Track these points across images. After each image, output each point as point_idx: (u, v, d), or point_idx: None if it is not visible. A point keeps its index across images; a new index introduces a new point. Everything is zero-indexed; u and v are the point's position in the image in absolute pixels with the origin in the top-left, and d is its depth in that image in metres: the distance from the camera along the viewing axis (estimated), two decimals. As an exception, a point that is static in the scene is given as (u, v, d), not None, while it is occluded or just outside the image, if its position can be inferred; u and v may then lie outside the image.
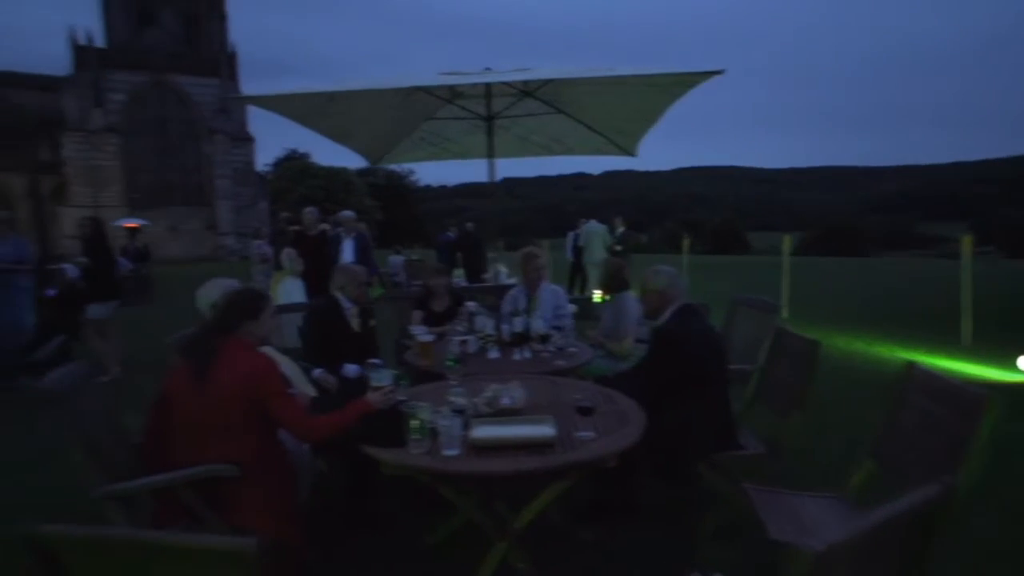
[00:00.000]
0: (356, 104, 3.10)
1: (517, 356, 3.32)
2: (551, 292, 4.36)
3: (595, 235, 10.71)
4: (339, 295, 3.75)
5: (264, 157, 65.25)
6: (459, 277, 11.67)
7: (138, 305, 10.64)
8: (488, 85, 3.01)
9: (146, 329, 6.85)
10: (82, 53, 44.44)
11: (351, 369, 3.56)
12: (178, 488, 2.01)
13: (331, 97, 2.83)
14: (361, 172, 75.42)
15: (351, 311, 3.76)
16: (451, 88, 3.07)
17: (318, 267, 7.21)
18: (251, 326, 2.21)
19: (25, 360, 5.85)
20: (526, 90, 3.22)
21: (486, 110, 3.37)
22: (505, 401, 2.30)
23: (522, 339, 3.56)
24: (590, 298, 9.17)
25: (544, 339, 3.53)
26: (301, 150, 77.34)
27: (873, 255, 45.95)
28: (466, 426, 2.05)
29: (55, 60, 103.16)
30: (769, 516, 2.00)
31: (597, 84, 2.92)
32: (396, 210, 70.82)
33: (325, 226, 8.48)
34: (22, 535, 1.07)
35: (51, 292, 7.08)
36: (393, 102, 3.17)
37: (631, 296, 4.01)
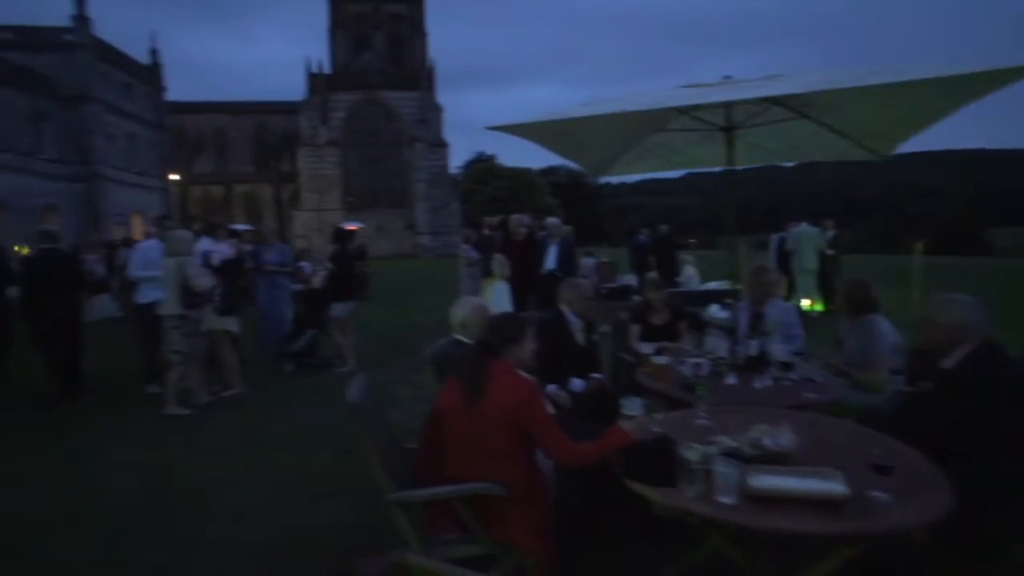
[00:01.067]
0: (594, 123, 3.10)
1: (758, 384, 3.08)
2: (781, 310, 3.99)
3: (807, 239, 9.71)
4: (565, 309, 3.82)
5: (455, 161, 70.38)
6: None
7: (358, 300, 11.96)
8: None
9: (367, 323, 7.63)
10: (313, 80, 51.65)
11: (576, 384, 3.61)
12: (452, 501, 2.17)
13: (574, 120, 2.85)
14: (543, 171, 77.65)
15: (577, 325, 3.81)
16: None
17: (524, 271, 7.51)
18: (515, 350, 2.31)
19: (285, 349, 6.90)
20: (775, 99, 2.96)
21: (725, 120, 3.16)
22: (769, 443, 2.13)
23: (759, 364, 3.30)
24: (801, 309, 8.34)
25: (786, 367, 3.23)
26: (488, 153, 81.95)
27: None
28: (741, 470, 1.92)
29: (296, 88, 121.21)
30: None
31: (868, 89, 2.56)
32: (577, 208, 71.54)
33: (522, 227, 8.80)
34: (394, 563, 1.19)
35: (297, 287, 8.21)
36: (627, 118, 3.11)
37: (882, 320, 3.51)
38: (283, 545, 3.09)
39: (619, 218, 68.68)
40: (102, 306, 11.65)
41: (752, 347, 3.42)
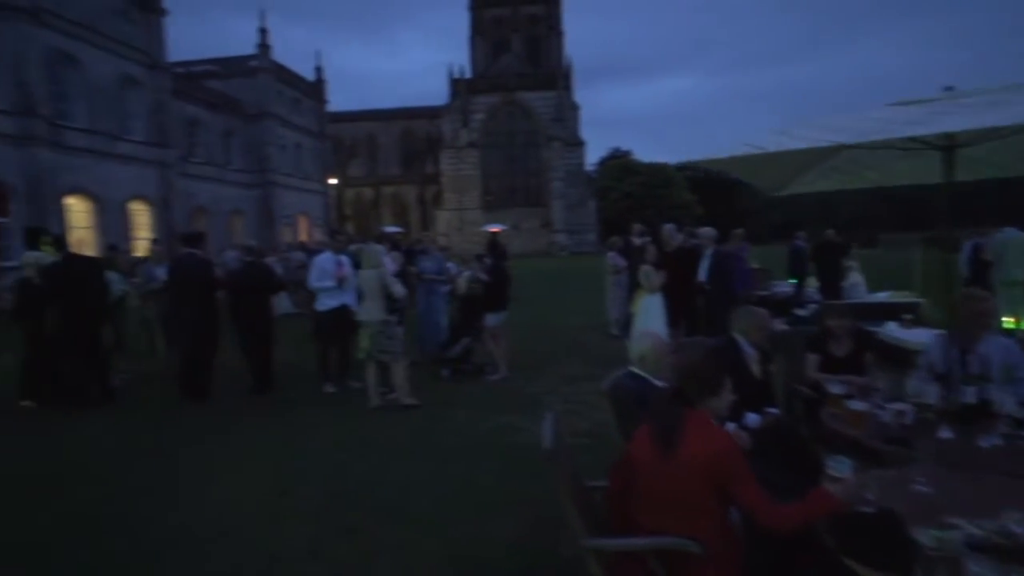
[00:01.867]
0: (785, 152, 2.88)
1: (984, 443, 2.66)
2: (1002, 348, 3.42)
3: (1014, 246, 8.34)
4: (740, 338, 3.61)
5: (590, 157, 69.88)
6: (811, 288, 10.46)
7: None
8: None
9: (511, 326, 7.74)
10: (455, 84, 54.00)
11: (751, 419, 3.40)
12: (644, 553, 2.13)
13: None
14: (680, 166, 74.59)
15: (752, 356, 3.59)
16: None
17: (679, 284, 7.25)
18: (712, 401, 2.21)
19: (442, 355, 7.27)
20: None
21: (946, 139, 2.79)
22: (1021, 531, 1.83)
23: (980, 416, 2.87)
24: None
25: (1020, 424, 2.76)
26: (623, 148, 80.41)
27: None
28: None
29: (436, 91, 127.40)
30: None
31: None
32: (717, 204, 67.93)
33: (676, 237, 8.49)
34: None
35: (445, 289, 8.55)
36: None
37: None
38: (454, 562, 3.22)
39: (764, 213, 63.82)
40: (279, 303, 13.11)
41: (969, 394, 2.99)
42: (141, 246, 26.31)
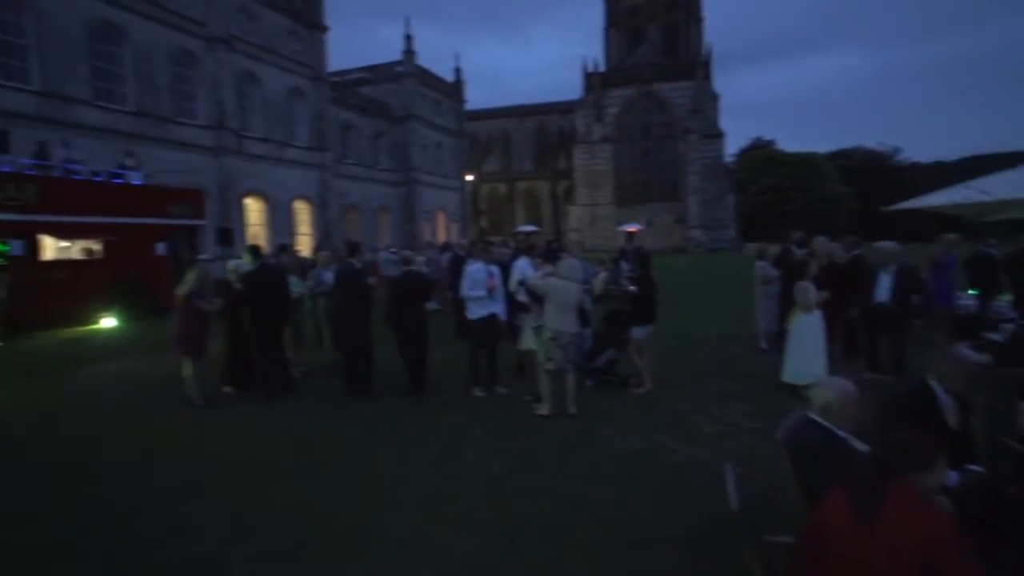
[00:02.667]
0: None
1: None
2: None
3: None
4: (934, 383, 3.27)
5: (729, 148, 65.83)
6: (1003, 303, 9.14)
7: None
8: None
9: (653, 335, 7.59)
10: (589, 79, 53.64)
11: (949, 477, 3.07)
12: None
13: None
14: (832, 155, 68.17)
15: (949, 405, 3.24)
16: None
17: (842, 303, 6.70)
18: (924, 477, 2.05)
19: (587, 366, 7.31)
20: None
21: None
22: None
23: None
24: None
25: None
26: (766, 138, 75.12)
27: None
28: None
29: (569, 84, 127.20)
30: None
31: None
32: (875, 196, 61.33)
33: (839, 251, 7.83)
34: None
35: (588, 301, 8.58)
36: None
37: None
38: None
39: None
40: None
41: None
42: (303, 241, 29.28)
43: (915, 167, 70.45)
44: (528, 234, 31.65)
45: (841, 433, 2.84)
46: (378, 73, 42.29)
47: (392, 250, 15.97)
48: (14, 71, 17.90)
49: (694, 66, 51.09)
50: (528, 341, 6.62)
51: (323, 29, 31.47)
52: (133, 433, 6.03)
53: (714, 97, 50.99)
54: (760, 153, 68.95)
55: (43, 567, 3.57)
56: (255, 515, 4.16)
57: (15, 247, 11.60)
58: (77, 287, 12.65)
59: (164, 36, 22.47)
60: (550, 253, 12.92)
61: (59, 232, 12.61)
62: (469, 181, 52.19)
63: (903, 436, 2.11)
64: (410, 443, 5.57)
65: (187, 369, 6.75)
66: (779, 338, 8.61)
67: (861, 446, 2.71)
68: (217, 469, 5.02)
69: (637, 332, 7.03)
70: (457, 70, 49.77)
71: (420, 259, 10.93)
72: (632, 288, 7.01)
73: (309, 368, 8.21)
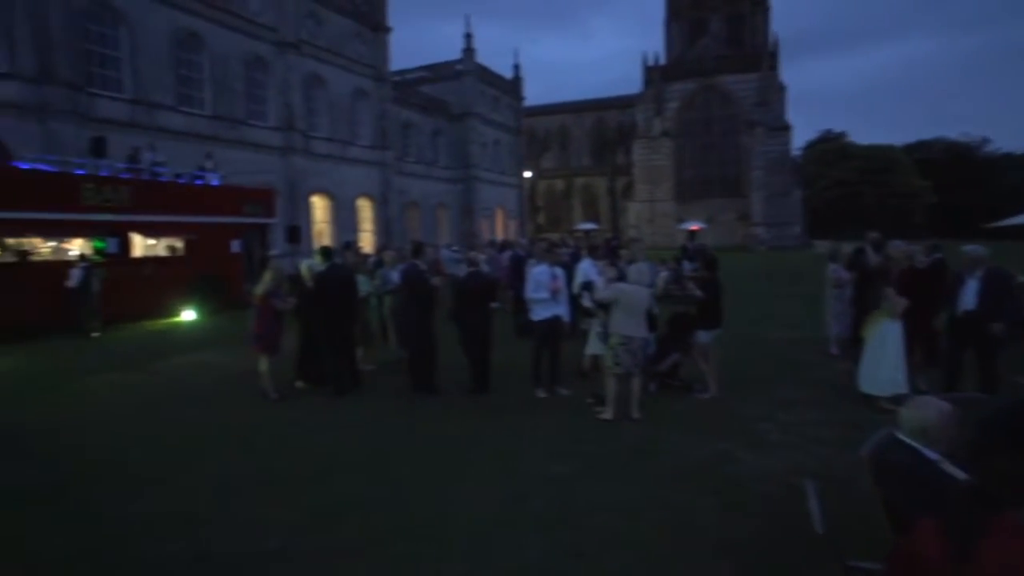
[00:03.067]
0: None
1: None
2: None
3: None
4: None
5: (796, 141, 63.06)
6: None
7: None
8: None
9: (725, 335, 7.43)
10: (649, 72, 52.68)
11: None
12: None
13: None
14: (908, 148, 64.30)
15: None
16: None
17: (924, 308, 6.37)
18: (1032, 509, 1.94)
19: (650, 370, 7.23)
20: None
21: None
22: None
23: None
24: None
25: None
26: (836, 129, 71.64)
27: None
28: None
29: (628, 78, 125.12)
30: None
31: None
32: (957, 191, 57.63)
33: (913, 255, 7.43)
34: None
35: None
36: None
37: None
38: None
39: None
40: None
41: None
42: (365, 238, 30.14)
43: (1007, 156, 65.48)
44: (587, 232, 31.48)
45: (932, 455, 2.71)
46: (438, 72, 42.94)
47: (454, 248, 16.20)
48: (109, 81, 19.25)
49: (760, 57, 49.30)
50: (594, 346, 6.63)
51: (386, 30, 32.21)
52: (214, 424, 6.41)
53: (780, 88, 49.07)
54: (830, 146, 65.87)
55: (139, 539, 3.86)
56: (326, 508, 4.35)
57: (111, 244, 12.49)
58: (162, 282, 13.51)
59: (238, 43, 23.58)
60: (610, 251, 12.84)
61: (147, 231, 13.49)
62: (527, 178, 52.29)
63: (1008, 464, 1.99)
64: (474, 442, 5.68)
65: (263, 364, 7.11)
66: (852, 344, 8.27)
67: (955, 471, 2.58)
68: (289, 462, 5.28)
69: (702, 336, 6.92)
70: (516, 67, 49.94)
71: (482, 257, 11.08)
72: (698, 292, 6.89)
73: (376, 365, 8.48)
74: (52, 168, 12.18)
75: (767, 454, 5.28)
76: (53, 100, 17.05)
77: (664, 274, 10.59)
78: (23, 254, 11.34)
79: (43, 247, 11.75)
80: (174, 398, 7.45)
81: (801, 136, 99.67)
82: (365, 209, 32.29)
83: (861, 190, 57.46)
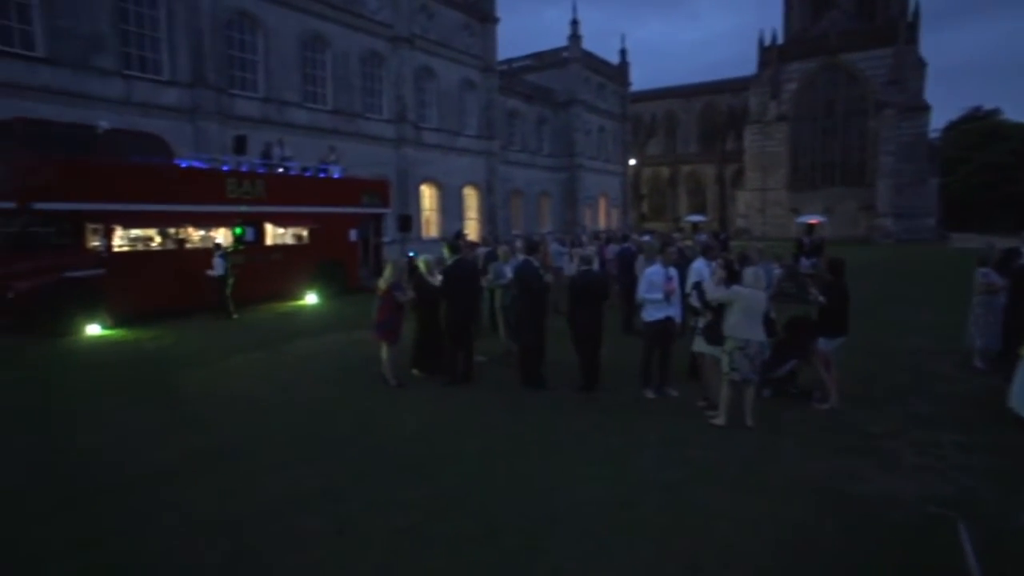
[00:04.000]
0: None
1: None
2: None
3: None
4: None
5: (934, 123, 56.38)
6: None
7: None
8: None
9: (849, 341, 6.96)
10: (764, 53, 49.59)
11: None
12: None
13: None
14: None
15: None
16: None
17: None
18: None
19: (766, 375, 6.97)
20: None
21: None
22: None
23: None
24: None
25: None
26: (987, 106, 63.88)
27: None
28: None
29: (744, 60, 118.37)
30: None
31: None
32: None
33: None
34: None
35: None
36: None
37: None
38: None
39: None
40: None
41: None
42: (471, 226, 31.05)
43: None
44: (695, 224, 30.42)
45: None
46: (543, 60, 42.94)
47: (561, 240, 16.31)
48: (246, 82, 21.14)
49: (894, 30, 44.69)
50: (700, 345, 6.50)
51: (494, 21, 32.64)
52: (340, 405, 6.97)
53: (919, 64, 44.28)
54: (977, 126, 58.86)
55: (285, 511, 4.35)
56: (445, 494, 4.65)
57: (248, 233, 13.80)
58: (289, 268, 14.74)
59: (357, 40, 24.90)
60: (719, 244, 12.41)
61: (278, 221, 14.73)
62: (631, 165, 51.22)
63: None
64: (583, 441, 5.79)
65: (384, 352, 7.62)
66: (1002, 359, 7.52)
67: None
68: (411, 448, 5.66)
69: (824, 344, 6.57)
70: (622, 52, 48.82)
71: (591, 249, 11.09)
72: (820, 298, 6.54)
73: (486, 357, 8.80)
74: (204, 165, 13.61)
75: (898, 476, 4.98)
76: (203, 102, 19.07)
77: (778, 271, 10.12)
78: (180, 242, 12.80)
79: (194, 236, 13.18)
80: (304, 378, 8.15)
81: (939, 117, 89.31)
82: (471, 197, 33.15)
83: (1016, 175, 50.97)
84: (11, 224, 10.95)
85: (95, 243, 11.42)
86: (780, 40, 50.58)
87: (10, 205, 10.68)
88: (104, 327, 11.16)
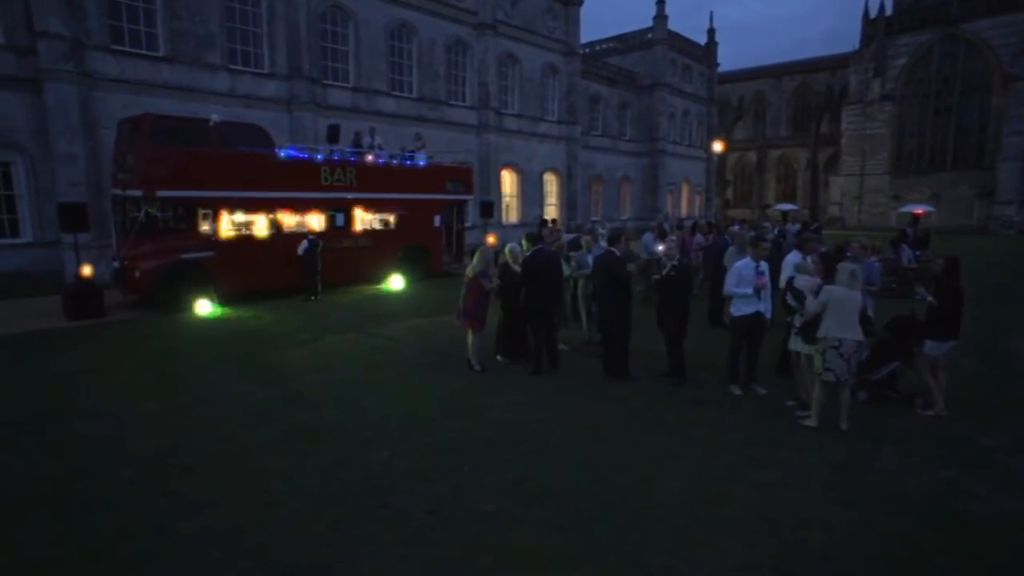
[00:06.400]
0: None
1: None
2: None
3: None
4: None
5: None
6: None
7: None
8: None
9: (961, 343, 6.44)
10: (870, 26, 45.98)
11: None
12: None
13: None
14: None
15: None
16: None
17: None
18: None
19: (862, 377, 6.61)
20: None
21: None
22: None
23: None
24: None
25: None
26: None
27: None
28: None
29: (847, 37, 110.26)
30: None
31: None
32: None
33: None
34: None
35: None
36: None
37: None
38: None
39: None
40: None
41: None
42: (551, 211, 31.03)
43: None
44: (785, 213, 28.93)
45: None
46: (627, 42, 41.87)
47: (651, 232, 16.05)
48: (338, 72, 22.06)
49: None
50: (797, 343, 6.26)
51: (578, 3, 32.13)
52: (428, 389, 7.24)
53: (1058, 31, 39.48)
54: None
55: (378, 489, 4.63)
56: (531, 482, 4.78)
57: (338, 219, 14.55)
58: (375, 253, 15.39)
59: (442, 28, 25.29)
60: (812, 234, 11.84)
61: (367, 207, 15.37)
62: (717, 150, 49.22)
63: None
64: (670, 434, 5.76)
65: (471, 338, 7.86)
66: None
67: None
68: (496, 433, 5.83)
69: (932, 347, 6.15)
70: (710, 31, 46.73)
71: (672, 239, 10.89)
72: (929, 298, 6.12)
73: (569, 346, 8.86)
74: (302, 155, 14.41)
75: (1015, 495, 4.62)
76: (299, 93, 20.13)
77: (877, 266, 9.50)
78: (279, 228, 13.66)
79: (290, 222, 14.03)
80: (393, 360, 8.54)
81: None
82: (551, 183, 33.07)
83: None
84: (138, 210, 12.10)
85: (205, 227, 12.45)
86: (888, 12, 46.64)
87: (138, 193, 11.82)
88: (213, 304, 12.16)
